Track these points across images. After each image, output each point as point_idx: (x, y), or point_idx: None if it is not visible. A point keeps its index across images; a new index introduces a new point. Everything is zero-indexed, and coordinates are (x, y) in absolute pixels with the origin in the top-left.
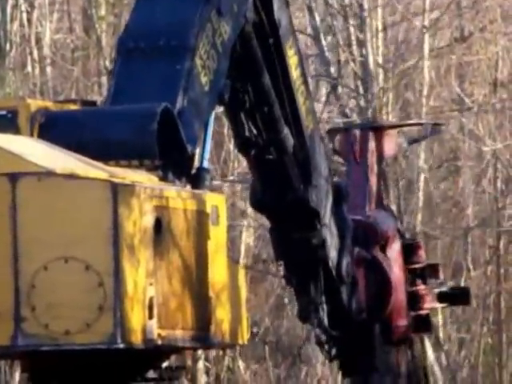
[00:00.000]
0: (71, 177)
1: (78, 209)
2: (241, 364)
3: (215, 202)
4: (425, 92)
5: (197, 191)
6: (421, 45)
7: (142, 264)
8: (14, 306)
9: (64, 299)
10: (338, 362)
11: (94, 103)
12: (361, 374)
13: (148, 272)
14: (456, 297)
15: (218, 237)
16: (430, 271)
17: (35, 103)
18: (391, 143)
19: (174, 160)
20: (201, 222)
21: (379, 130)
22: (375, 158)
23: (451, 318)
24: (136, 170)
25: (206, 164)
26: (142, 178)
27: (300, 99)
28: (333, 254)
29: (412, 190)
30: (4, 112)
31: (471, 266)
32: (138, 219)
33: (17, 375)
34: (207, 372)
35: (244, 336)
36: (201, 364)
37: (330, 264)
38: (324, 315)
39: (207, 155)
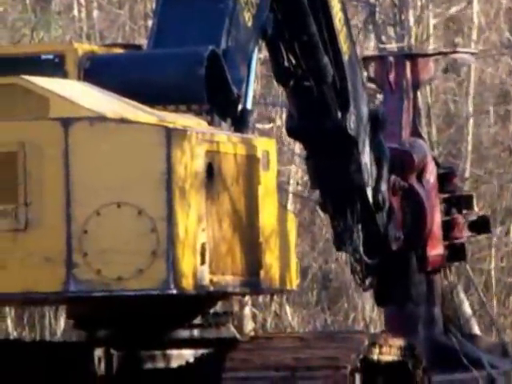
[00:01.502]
0: (124, 121)
1: (130, 154)
2: (288, 310)
3: (266, 146)
4: (474, 36)
5: (247, 136)
6: None
7: (195, 209)
8: (66, 252)
9: (116, 245)
10: (372, 292)
11: (139, 47)
12: (395, 304)
13: (200, 217)
14: (479, 226)
15: (268, 182)
16: (465, 202)
17: (82, 47)
18: (426, 72)
19: (220, 103)
20: (251, 166)
21: (414, 58)
22: (410, 86)
23: (501, 262)
24: (184, 114)
25: (249, 105)
26: (192, 123)
27: (338, 26)
28: (370, 181)
29: (461, 134)
30: (51, 56)
31: None
32: (191, 164)
33: (62, 321)
34: (254, 318)
35: (293, 281)
36: (247, 310)
37: (367, 191)
38: (359, 243)
39: (250, 95)
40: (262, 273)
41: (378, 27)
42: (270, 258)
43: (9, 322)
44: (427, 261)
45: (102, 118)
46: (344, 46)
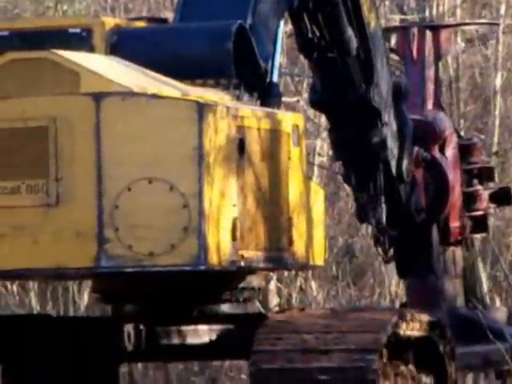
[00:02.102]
0: (156, 96)
1: (162, 129)
2: (313, 284)
3: (296, 121)
4: (502, 11)
5: (277, 111)
6: None
7: (226, 185)
8: (98, 227)
9: (148, 220)
10: (394, 264)
11: (165, 20)
12: (417, 276)
13: (231, 193)
14: (500, 197)
15: (298, 157)
16: (486, 173)
17: (110, 21)
18: (448, 43)
19: (248, 77)
20: (282, 142)
21: (437, 29)
22: (432, 57)
23: None
24: (211, 89)
25: (275, 78)
26: (216, 97)
27: None
28: (393, 152)
29: (488, 108)
30: (78, 30)
31: None
32: (223, 140)
33: (85, 295)
34: (279, 293)
35: (321, 257)
36: (272, 285)
37: (390, 163)
38: (383, 214)
39: (276, 69)
40: (291, 248)
41: None
42: (300, 234)
43: (32, 296)
44: (449, 232)
45: (133, 93)
46: (368, 17)
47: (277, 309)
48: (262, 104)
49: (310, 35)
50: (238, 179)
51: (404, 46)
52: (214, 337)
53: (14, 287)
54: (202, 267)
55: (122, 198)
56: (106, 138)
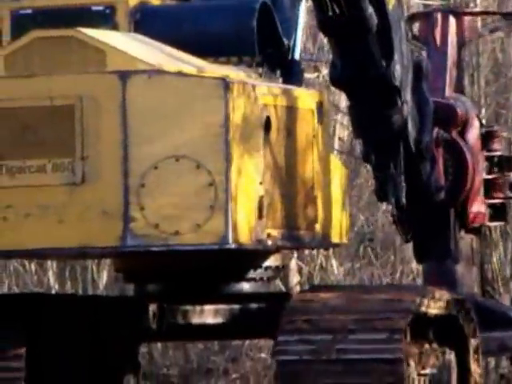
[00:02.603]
0: (182, 74)
1: (189, 107)
2: (334, 263)
3: (319, 98)
4: None
5: (302, 88)
6: None
7: (253, 163)
8: (124, 206)
9: (174, 199)
10: (412, 248)
11: None
12: (434, 259)
13: (258, 171)
14: None
15: (322, 134)
16: (506, 162)
17: None
18: (472, 29)
19: (270, 55)
20: (306, 119)
21: (460, 16)
22: (455, 43)
23: None
24: (234, 66)
25: (297, 56)
26: (242, 75)
27: None
28: (413, 130)
29: (508, 87)
30: (102, 7)
31: None
32: (248, 118)
33: (104, 274)
34: (300, 271)
35: (345, 235)
36: (293, 263)
37: (411, 141)
38: (403, 193)
39: (299, 46)
40: (317, 227)
41: None
42: (325, 212)
43: (50, 275)
44: (468, 217)
45: (159, 71)
46: None
47: (298, 288)
48: (285, 81)
49: (330, 13)
50: (263, 157)
51: (427, 32)
52: (236, 316)
53: (33, 266)
54: (228, 246)
55: (148, 177)
56: (132, 116)
